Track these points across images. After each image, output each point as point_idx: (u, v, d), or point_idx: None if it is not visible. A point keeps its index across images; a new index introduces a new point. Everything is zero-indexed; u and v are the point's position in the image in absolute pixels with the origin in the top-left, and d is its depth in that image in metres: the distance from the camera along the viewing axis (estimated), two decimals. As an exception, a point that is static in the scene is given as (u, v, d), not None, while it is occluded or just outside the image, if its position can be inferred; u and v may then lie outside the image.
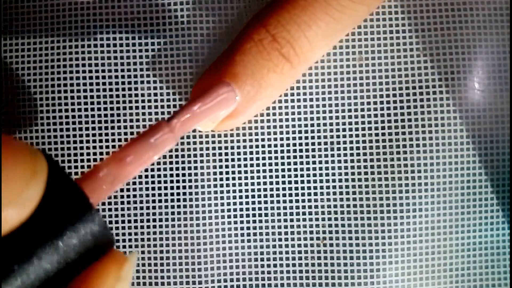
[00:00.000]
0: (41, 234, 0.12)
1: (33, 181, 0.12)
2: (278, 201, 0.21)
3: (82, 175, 0.14)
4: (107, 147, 0.21)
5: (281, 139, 0.21)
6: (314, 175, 0.21)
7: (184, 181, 0.21)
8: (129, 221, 0.21)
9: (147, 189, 0.21)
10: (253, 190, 0.21)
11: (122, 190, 0.21)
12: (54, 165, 0.13)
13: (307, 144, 0.21)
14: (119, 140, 0.21)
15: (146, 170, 0.21)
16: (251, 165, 0.21)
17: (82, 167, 0.21)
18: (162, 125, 0.15)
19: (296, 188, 0.21)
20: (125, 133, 0.21)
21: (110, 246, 0.14)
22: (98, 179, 0.14)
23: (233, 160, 0.21)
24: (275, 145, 0.21)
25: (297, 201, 0.21)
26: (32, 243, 0.12)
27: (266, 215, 0.21)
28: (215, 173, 0.21)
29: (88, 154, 0.21)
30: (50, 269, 0.13)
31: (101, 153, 0.21)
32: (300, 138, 0.21)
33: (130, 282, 0.14)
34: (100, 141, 0.21)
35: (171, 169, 0.21)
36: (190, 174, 0.21)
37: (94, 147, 0.21)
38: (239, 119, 0.19)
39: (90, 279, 0.13)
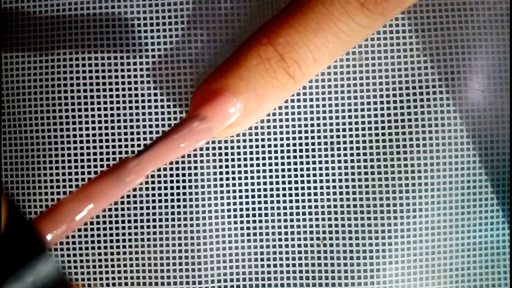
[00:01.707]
0: None
1: None
2: (278, 201, 0.21)
3: (42, 212, 0.14)
4: (107, 147, 0.21)
5: (281, 139, 0.21)
6: (314, 175, 0.21)
7: (184, 181, 0.21)
8: (129, 221, 0.21)
9: (147, 189, 0.21)
10: (253, 190, 0.21)
11: (122, 190, 0.21)
12: (12, 207, 0.12)
13: (307, 144, 0.21)
14: (119, 140, 0.21)
15: (146, 170, 0.21)
16: (251, 165, 0.21)
17: (82, 167, 0.21)
18: (128, 161, 0.15)
19: (296, 188, 0.21)
20: (125, 133, 0.21)
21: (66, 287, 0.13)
22: (60, 217, 0.13)
23: (233, 160, 0.21)
24: (275, 145, 0.21)
25: (297, 201, 0.21)
26: None
27: (266, 215, 0.21)
28: (215, 173, 0.21)
29: (88, 154, 0.21)
30: None
31: (101, 153, 0.21)
32: (300, 138, 0.21)
33: None
34: (100, 141, 0.21)
35: (171, 169, 0.21)
36: (190, 174, 0.21)
37: (94, 147, 0.21)
38: (239, 128, 0.19)
39: None
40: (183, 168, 0.21)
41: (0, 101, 0.21)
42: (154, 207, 0.21)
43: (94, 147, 0.21)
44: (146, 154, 0.15)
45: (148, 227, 0.21)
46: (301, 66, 0.18)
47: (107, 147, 0.21)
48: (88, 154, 0.21)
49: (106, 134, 0.21)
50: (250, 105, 0.18)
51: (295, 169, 0.21)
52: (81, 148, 0.21)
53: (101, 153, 0.21)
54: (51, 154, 0.21)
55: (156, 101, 0.21)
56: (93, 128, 0.21)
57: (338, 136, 0.21)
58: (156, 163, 0.15)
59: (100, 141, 0.21)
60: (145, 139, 0.21)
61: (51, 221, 0.13)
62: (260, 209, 0.21)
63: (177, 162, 0.21)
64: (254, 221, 0.21)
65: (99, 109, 0.21)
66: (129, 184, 0.15)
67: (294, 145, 0.21)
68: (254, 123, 0.20)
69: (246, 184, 0.21)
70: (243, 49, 0.19)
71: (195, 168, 0.21)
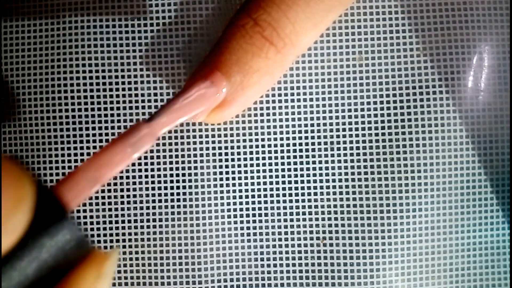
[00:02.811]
0: (22, 245, 0.13)
1: (17, 209, 0.12)
2: (278, 201, 0.21)
3: (61, 179, 0.14)
4: (107, 147, 0.21)
5: (281, 139, 0.21)
6: (314, 175, 0.21)
7: (184, 181, 0.21)
8: (129, 221, 0.21)
9: (147, 189, 0.21)
10: (253, 190, 0.21)
11: (122, 190, 0.21)
12: (38, 183, 0.13)
13: (307, 144, 0.21)
14: (119, 140, 0.21)
15: (146, 170, 0.21)
16: (251, 165, 0.21)
17: (82, 167, 0.21)
18: (140, 126, 0.16)
19: (296, 188, 0.21)
20: (125, 133, 0.21)
21: (88, 250, 0.14)
22: (78, 182, 0.14)
23: (233, 160, 0.21)
24: (275, 145, 0.21)
25: (297, 201, 0.21)
26: (14, 252, 0.12)
27: (266, 215, 0.21)
28: (215, 173, 0.21)
29: (88, 154, 0.21)
30: (32, 276, 0.13)
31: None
32: (300, 138, 0.21)
33: (111, 278, 0.14)
34: (100, 141, 0.21)
35: (171, 169, 0.21)
36: (190, 174, 0.21)
37: (94, 147, 0.21)
38: (230, 110, 0.19)
39: (70, 280, 0.13)
40: (183, 168, 0.21)
41: (0, 101, 0.21)
42: (154, 207, 0.21)
43: (94, 147, 0.21)
44: (157, 119, 0.16)
45: (148, 227, 0.21)
46: (277, 29, 0.18)
47: (107, 147, 0.21)
48: (88, 154, 0.21)
49: (106, 134, 0.21)
50: (233, 75, 0.18)
51: (295, 169, 0.21)
52: (81, 148, 0.21)
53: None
54: (51, 154, 0.21)
55: (156, 101, 0.21)
56: (93, 128, 0.21)
57: (338, 136, 0.21)
58: (167, 127, 0.16)
59: (100, 141, 0.21)
60: (145, 139, 0.21)
61: (69, 187, 0.14)
62: (260, 209, 0.21)
63: (177, 162, 0.21)
64: (254, 221, 0.21)
65: (99, 109, 0.21)
66: (142, 148, 0.15)
67: (294, 145, 0.21)
68: (246, 105, 0.20)
69: (246, 184, 0.21)
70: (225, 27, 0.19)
71: (195, 168, 0.21)
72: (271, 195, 0.21)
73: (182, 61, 0.21)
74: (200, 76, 0.18)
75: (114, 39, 0.21)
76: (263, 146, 0.21)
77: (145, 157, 0.21)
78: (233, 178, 0.21)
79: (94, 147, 0.21)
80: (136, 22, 0.21)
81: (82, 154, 0.21)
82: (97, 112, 0.21)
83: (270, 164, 0.21)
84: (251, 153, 0.21)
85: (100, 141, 0.21)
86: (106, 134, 0.21)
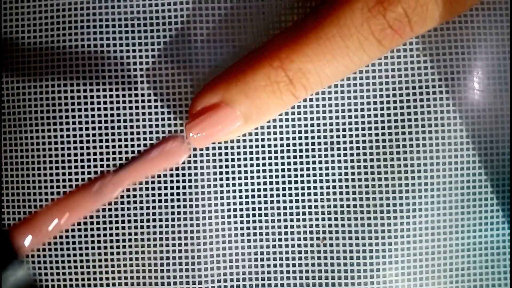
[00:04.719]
0: None
1: None
2: (278, 201, 0.21)
3: (18, 222, 0.14)
4: (107, 147, 0.21)
5: (281, 139, 0.21)
6: (314, 175, 0.21)
7: (184, 181, 0.21)
8: (129, 221, 0.21)
9: (147, 189, 0.21)
10: (253, 190, 0.21)
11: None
12: None
13: (307, 144, 0.21)
14: (119, 140, 0.21)
15: (146, 170, 0.21)
16: (251, 165, 0.21)
17: (82, 167, 0.21)
18: (106, 176, 0.16)
19: (296, 188, 0.21)
20: (125, 133, 0.21)
21: None
22: (34, 227, 0.14)
23: (233, 160, 0.21)
24: (275, 145, 0.21)
25: (297, 201, 0.21)
26: None
27: (266, 215, 0.21)
28: (215, 173, 0.21)
29: (88, 154, 0.21)
30: None
31: (101, 153, 0.21)
32: (300, 138, 0.21)
33: None
34: (100, 141, 0.21)
35: (171, 169, 0.21)
36: (190, 174, 0.21)
37: (94, 147, 0.21)
38: (235, 135, 0.20)
39: None
40: (183, 168, 0.21)
41: (0, 101, 0.21)
42: (154, 207, 0.21)
43: (94, 147, 0.21)
44: (123, 171, 0.16)
45: (148, 227, 0.21)
46: (308, 90, 0.19)
47: (107, 147, 0.21)
48: (88, 154, 0.21)
49: (106, 134, 0.21)
50: (251, 118, 0.19)
51: (295, 169, 0.21)
52: (81, 148, 0.21)
53: (101, 153, 0.21)
54: (51, 154, 0.21)
55: (156, 101, 0.21)
56: (93, 128, 0.21)
57: (338, 136, 0.21)
58: (131, 179, 0.16)
59: (100, 141, 0.21)
60: (145, 139, 0.21)
61: (25, 231, 0.14)
62: (260, 209, 0.21)
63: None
64: (254, 221, 0.21)
65: (99, 109, 0.21)
66: (104, 197, 0.15)
67: (294, 145, 0.21)
68: (255, 127, 0.20)
69: (246, 184, 0.21)
70: (252, 66, 0.19)
71: (195, 168, 0.21)
72: (271, 195, 0.21)
73: (182, 61, 0.21)
74: (214, 111, 0.19)
75: (114, 39, 0.21)
76: (263, 146, 0.21)
77: (145, 157, 0.21)
78: (233, 178, 0.21)
79: (94, 147, 0.21)
80: (136, 22, 0.21)
81: (82, 154, 0.21)
82: (97, 112, 0.21)
83: (270, 164, 0.21)
84: (251, 153, 0.21)
85: (100, 141, 0.21)
86: (106, 134, 0.21)
